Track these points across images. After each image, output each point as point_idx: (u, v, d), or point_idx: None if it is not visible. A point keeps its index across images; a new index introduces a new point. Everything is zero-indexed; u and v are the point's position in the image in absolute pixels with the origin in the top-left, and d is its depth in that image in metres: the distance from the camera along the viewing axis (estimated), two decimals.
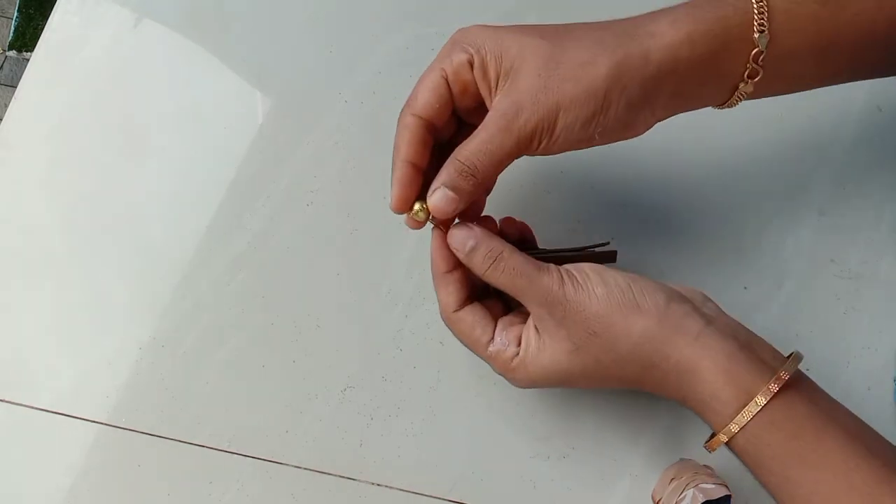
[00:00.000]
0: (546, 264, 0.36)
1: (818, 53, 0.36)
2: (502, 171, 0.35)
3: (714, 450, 0.35)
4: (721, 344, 0.34)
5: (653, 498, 0.42)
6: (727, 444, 0.34)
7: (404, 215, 0.36)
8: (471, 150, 0.34)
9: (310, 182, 0.47)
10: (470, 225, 0.36)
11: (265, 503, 0.42)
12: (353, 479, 0.43)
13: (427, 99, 0.35)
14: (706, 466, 0.41)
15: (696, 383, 0.34)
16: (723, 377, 0.33)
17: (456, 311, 0.37)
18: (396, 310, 0.45)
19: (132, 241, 0.46)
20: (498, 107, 0.34)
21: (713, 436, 0.35)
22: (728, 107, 0.37)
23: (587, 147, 0.35)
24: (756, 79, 0.35)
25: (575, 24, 0.35)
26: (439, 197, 0.35)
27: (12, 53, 1.60)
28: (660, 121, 0.36)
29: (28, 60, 0.50)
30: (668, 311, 0.35)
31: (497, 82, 0.34)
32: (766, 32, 0.34)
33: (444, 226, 0.37)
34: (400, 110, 0.36)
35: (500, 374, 0.37)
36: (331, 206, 0.46)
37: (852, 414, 0.35)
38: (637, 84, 0.33)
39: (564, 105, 0.33)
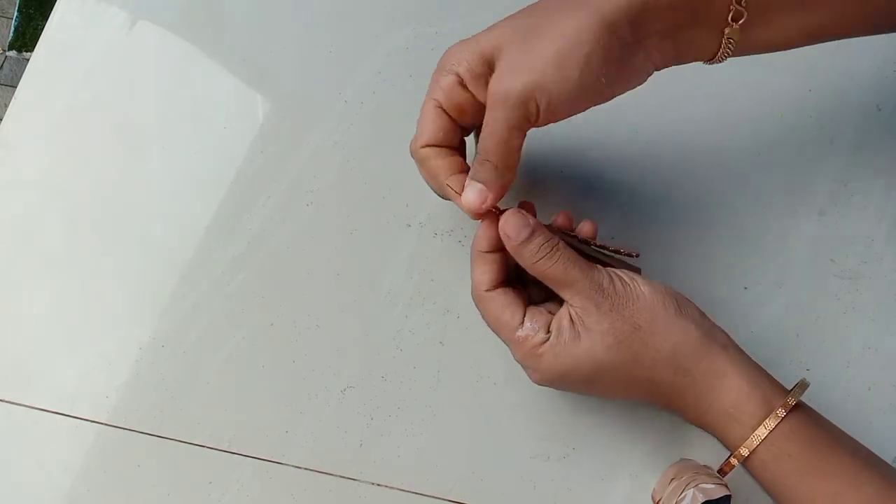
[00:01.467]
0: (593, 263, 0.37)
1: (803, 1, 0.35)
2: (517, 148, 0.35)
3: (732, 468, 0.36)
4: (744, 358, 0.37)
5: (653, 498, 0.42)
6: (745, 459, 0.35)
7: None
8: (483, 138, 0.35)
9: (310, 182, 0.47)
10: (525, 213, 0.37)
11: (265, 503, 0.42)
12: (353, 479, 0.43)
13: (432, 130, 0.36)
14: (706, 466, 0.41)
15: (723, 392, 0.36)
16: (747, 388, 0.36)
17: (488, 290, 0.37)
18: (396, 310, 0.45)
19: (132, 241, 0.46)
20: (491, 90, 0.34)
21: (730, 456, 0.36)
22: (718, 61, 0.37)
23: (596, 102, 0.35)
24: (741, 21, 0.34)
25: None
26: (469, 191, 0.36)
27: (12, 53, 1.60)
28: (657, 68, 0.36)
29: (28, 60, 0.50)
30: (703, 321, 0.37)
31: (489, 79, 0.35)
32: None
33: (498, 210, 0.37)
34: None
35: (521, 361, 0.37)
36: (331, 206, 0.46)
37: (847, 433, 0.37)
38: (625, 24, 0.33)
39: (550, 59, 0.33)
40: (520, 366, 0.38)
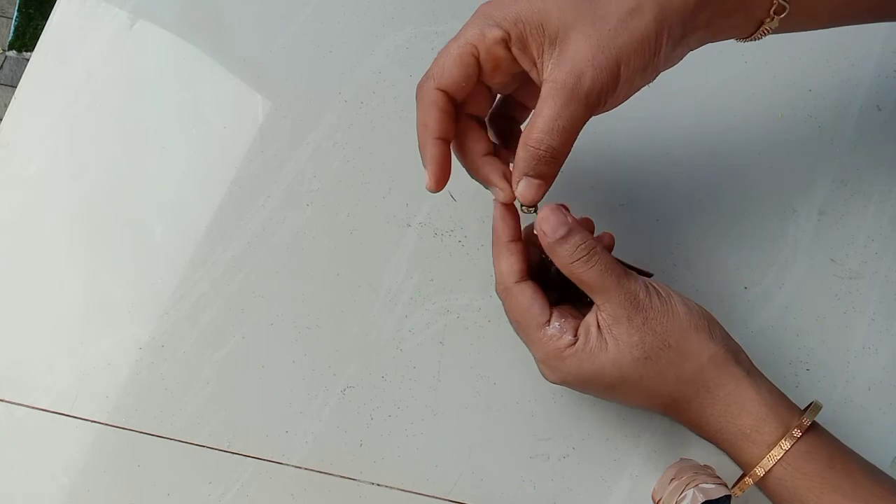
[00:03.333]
0: (630, 271, 0.36)
1: None
2: (575, 140, 0.34)
3: (748, 487, 0.36)
4: (764, 380, 0.37)
5: (653, 498, 0.42)
6: (761, 479, 0.35)
7: (497, 193, 0.36)
8: (542, 130, 0.33)
9: (310, 182, 0.47)
10: (563, 210, 0.36)
11: (265, 503, 0.42)
12: (353, 479, 0.43)
13: (454, 75, 0.34)
14: (706, 466, 0.41)
15: (741, 415, 0.36)
16: (765, 410, 0.36)
17: (517, 281, 0.36)
18: (396, 310, 0.45)
19: (132, 241, 0.46)
20: (555, 78, 0.32)
21: (742, 476, 0.36)
22: (752, 40, 0.37)
23: (639, 90, 0.35)
24: (782, 15, 0.34)
25: None
26: (525, 187, 0.34)
27: (12, 53, 1.60)
28: (692, 50, 0.36)
29: (28, 60, 0.50)
30: (730, 343, 0.37)
31: (541, 53, 0.33)
32: None
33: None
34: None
35: (541, 360, 0.37)
36: (331, 206, 0.46)
37: (858, 454, 0.37)
38: (679, 22, 0.33)
39: (623, 59, 0.32)
40: (529, 362, 0.38)
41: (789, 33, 0.37)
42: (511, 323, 0.38)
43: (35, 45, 0.49)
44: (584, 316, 0.37)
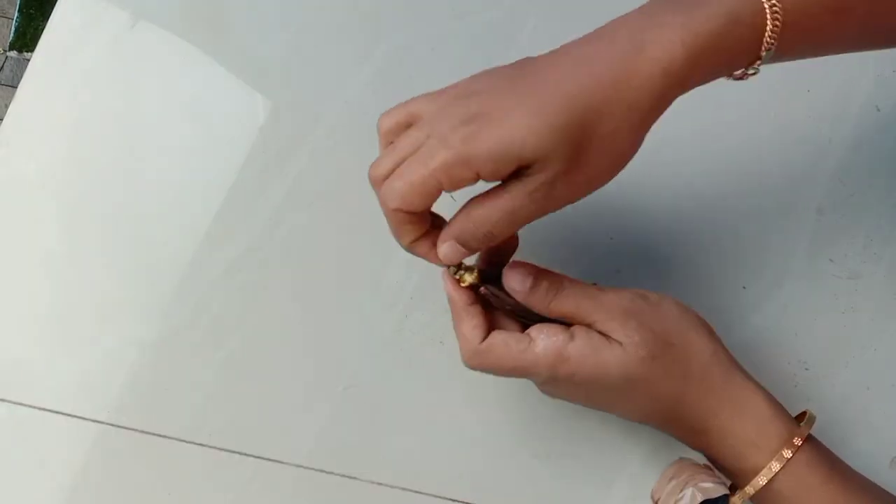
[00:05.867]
0: (609, 287, 0.36)
1: (832, 25, 0.36)
2: None
3: (747, 497, 0.36)
4: (762, 388, 0.37)
5: (652, 497, 0.42)
6: (760, 490, 0.35)
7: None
8: (492, 215, 0.32)
9: (310, 182, 0.47)
10: (522, 262, 0.36)
11: (265, 503, 0.42)
12: (353, 479, 0.43)
13: (419, 204, 0.32)
14: (705, 466, 0.41)
15: (747, 418, 0.36)
16: (769, 413, 0.36)
17: (482, 341, 0.35)
18: (396, 310, 0.45)
19: (132, 241, 0.46)
20: (530, 182, 0.31)
21: (746, 485, 0.36)
22: (742, 79, 0.37)
23: None
24: (770, 51, 0.35)
25: (556, 69, 0.32)
26: (448, 250, 0.34)
27: (13, 54, 1.60)
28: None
29: (28, 61, 0.50)
30: (727, 349, 0.37)
31: (513, 170, 0.31)
32: (778, 22, 0.33)
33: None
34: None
35: (548, 376, 0.35)
36: (331, 206, 0.46)
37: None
38: (655, 116, 0.33)
39: (598, 174, 0.33)
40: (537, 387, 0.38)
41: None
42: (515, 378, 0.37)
43: (36, 45, 0.49)
44: (567, 327, 0.36)
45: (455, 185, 0.32)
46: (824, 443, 0.37)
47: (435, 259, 0.35)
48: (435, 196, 0.32)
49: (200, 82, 0.48)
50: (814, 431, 0.37)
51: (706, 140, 0.47)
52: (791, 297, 0.45)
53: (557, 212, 0.44)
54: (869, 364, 0.44)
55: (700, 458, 0.42)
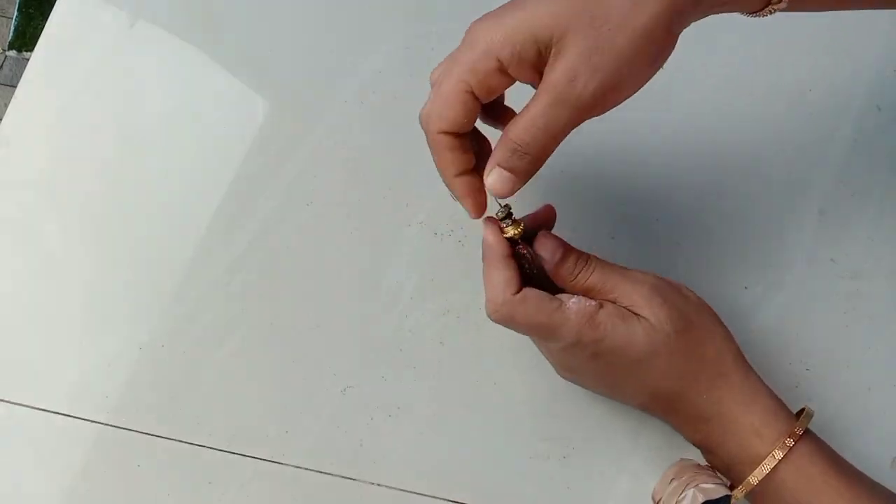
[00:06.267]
0: (630, 269, 0.37)
1: None
2: (561, 141, 0.33)
3: (751, 487, 0.36)
4: (764, 382, 0.37)
5: (653, 498, 0.42)
6: (762, 481, 0.35)
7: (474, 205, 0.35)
8: (521, 127, 0.32)
9: (310, 182, 0.47)
10: (552, 234, 0.37)
11: (265, 503, 0.42)
12: (353, 479, 0.43)
13: (455, 116, 0.33)
14: (706, 466, 0.41)
15: (754, 405, 0.36)
16: (773, 402, 0.36)
17: (516, 292, 0.35)
18: (396, 310, 0.45)
19: (132, 241, 0.46)
20: (548, 79, 0.31)
21: (732, 486, 0.36)
22: (760, 16, 0.35)
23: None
24: None
25: None
26: (495, 178, 0.33)
27: (12, 53, 1.60)
28: (696, 21, 0.34)
29: (28, 60, 0.50)
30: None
31: (540, 62, 0.32)
32: None
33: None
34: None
35: (571, 340, 0.35)
36: (331, 206, 0.46)
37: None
38: (689, 8, 0.31)
39: (626, 57, 0.30)
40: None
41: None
42: (534, 341, 0.38)
43: (35, 44, 0.49)
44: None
45: (485, 87, 0.32)
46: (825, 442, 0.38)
47: (474, 204, 0.35)
48: (470, 107, 0.33)
49: (200, 82, 0.48)
50: (815, 431, 0.37)
51: (707, 140, 0.47)
52: (792, 297, 0.45)
53: (558, 211, 0.44)
54: (870, 364, 0.44)
55: (701, 459, 0.42)
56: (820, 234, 0.46)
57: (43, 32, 0.49)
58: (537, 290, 0.36)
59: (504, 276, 0.35)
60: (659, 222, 0.46)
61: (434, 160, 0.35)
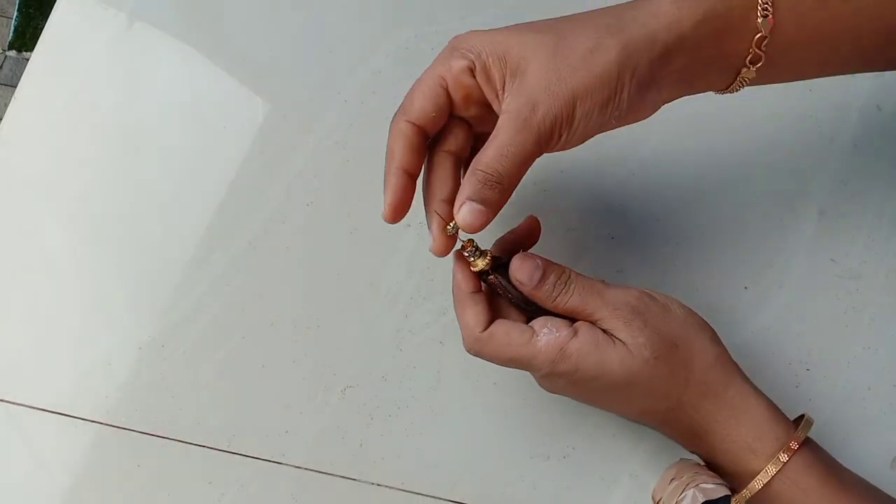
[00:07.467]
0: (617, 283, 0.36)
1: (823, 42, 0.35)
2: (525, 172, 0.34)
3: (744, 500, 0.36)
4: (760, 392, 0.37)
5: (653, 498, 0.42)
6: (757, 493, 0.35)
7: (438, 246, 0.35)
8: (490, 156, 0.33)
9: (310, 182, 0.47)
10: (530, 255, 0.36)
11: (265, 503, 0.42)
12: (353, 479, 0.43)
13: (423, 106, 0.34)
14: (706, 466, 0.41)
15: (747, 421, 0.36)
16: (767, 415, 0.36)
17: (484, 330, 0.35)
18: (396, 310, 0.45)
19: (132, 241, 0.46)
20: (510, 107, 0.32)
21: (743, 489, 0.36)
22: (730, 92, 0.37)
23: (600, 133, 0.35)
24: (758, 65, 0.34)
25: (571, 15, 0.34)
26: (467, 211, 0.33)
27: (12, 53, 1.60)
28: (665, 103, 0.36)
29: (28, 60, 0.50)
30: (727, 350, 0.37)
31: (503, 85, 0.33)
32: (770, 18, 0.33)
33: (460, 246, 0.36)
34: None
35: (548, 371, 0.35)
36: (331, 206, 0.46)
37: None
38: (646, 65, 0.32)
39: (580, 93, 0.32)
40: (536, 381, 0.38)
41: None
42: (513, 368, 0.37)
43: (35, 44, 0.49)
44: (571, 322, 0.36)
45: (457, 84, 0.34)
46: (826, 443, 0.37)
47: (392, 204, 0.35)
48: (440, 102, 0.34)
49: (200, 82, 0.48)
50: (815, 432, 0.37)
51: (707, 141, 0.47)
52: (792, 297, 0.45)
53: (558, 211, 0.44)
54: (870, 364, 0.44)
55: (701, 460, 0.42)
56: (820, 234, 0.46)
57: (43, 32, 0.49)
58: (507, 323, 0.35)
59: (472, 313, 0.36)
60: (658, 222, 0.46)
61: (389, 147, 0.35)
